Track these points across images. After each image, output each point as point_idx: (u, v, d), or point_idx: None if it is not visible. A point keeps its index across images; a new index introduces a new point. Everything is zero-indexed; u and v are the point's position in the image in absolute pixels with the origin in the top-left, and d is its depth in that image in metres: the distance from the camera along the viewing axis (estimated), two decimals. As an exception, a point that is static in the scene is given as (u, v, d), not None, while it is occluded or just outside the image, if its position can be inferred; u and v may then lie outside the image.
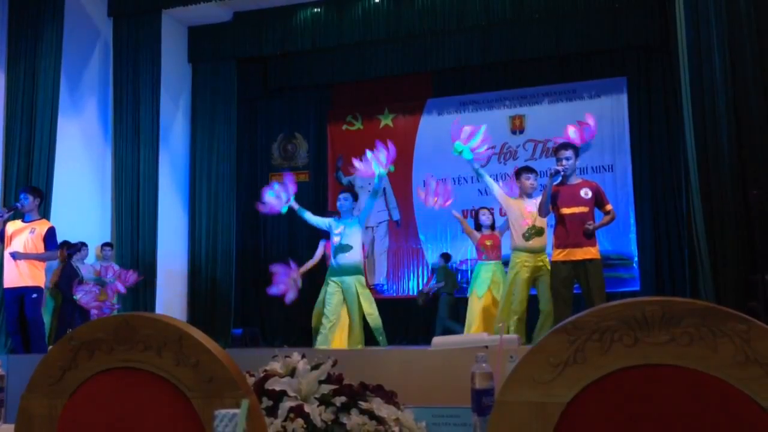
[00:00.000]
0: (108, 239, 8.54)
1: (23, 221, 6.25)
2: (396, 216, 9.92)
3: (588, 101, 9.41)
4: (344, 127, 10.55)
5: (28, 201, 6.18)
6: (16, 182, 7.36)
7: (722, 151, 6.56)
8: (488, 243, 6.42)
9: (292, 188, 6.34)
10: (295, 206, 6.31)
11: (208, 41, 9.84)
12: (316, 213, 6.60)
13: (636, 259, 9.05)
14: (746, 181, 6.39)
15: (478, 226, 6.58)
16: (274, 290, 6.85)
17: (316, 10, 9.27)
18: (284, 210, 6.42)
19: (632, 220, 9.09)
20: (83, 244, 7.93)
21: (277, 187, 6.37)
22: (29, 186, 6.73)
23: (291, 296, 6.81)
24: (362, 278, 6.27)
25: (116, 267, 8.11)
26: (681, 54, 7.00)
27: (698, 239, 6.73)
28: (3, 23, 7.63)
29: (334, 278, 6.25)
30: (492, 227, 6.53)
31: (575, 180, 5.22)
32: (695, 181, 6.77)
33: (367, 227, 10.25)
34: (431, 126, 10.09)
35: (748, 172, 6.44)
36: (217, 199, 9.76)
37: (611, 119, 9.30)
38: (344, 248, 6.17)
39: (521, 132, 9.71)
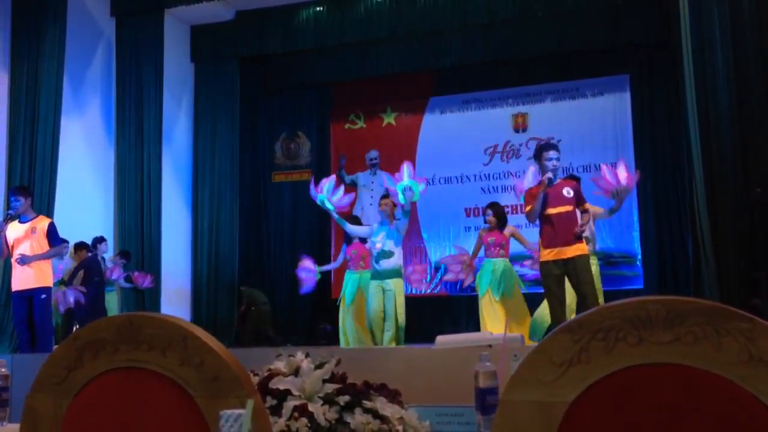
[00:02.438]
0: (111, 238, 8.55)
1: (20, 222, 6.12)
2: (399, 214, 9.92)
3: (591, 99, 9.40)
4: (347, 125, 10.55)
5: (21, 203, 6.05)
6: (20, 181, 7.37)
7: (726, 149, 6.55)
8: (490, 240, 6.53)
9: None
10: (335, 216, 6.76)
11: (211, 40, 9.85)
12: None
13: (639, 257, 9.03)
14: (750, 179, 6.38)
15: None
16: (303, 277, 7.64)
17: (318, 8, 9.28)
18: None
19: (635, 218, 9.08)
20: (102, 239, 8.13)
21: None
22: (16, 187, 6.55)
23: (307, 288, 7.64)
24: (401, 281, 6.64)
25: (121, 269, 8.15)
26: (684, 51, 6.98)
27: (702, 237, 6.72)
28: (6, 23, 7.64)
29: (375, 281, 6.60)
30: (499, 226, 6.55)
31: (556, 179, 5.21)
32: (699, 178, 6.75)
33: (369, 226, 10.25)
34: (434, 124, 10.08)
35: (751, 170, 6.43)
36: (219, 197, 9.77)
37: (614, 117, 9.29)
38: (385, 254, 6.49)
39: (524, 130, 9.70)
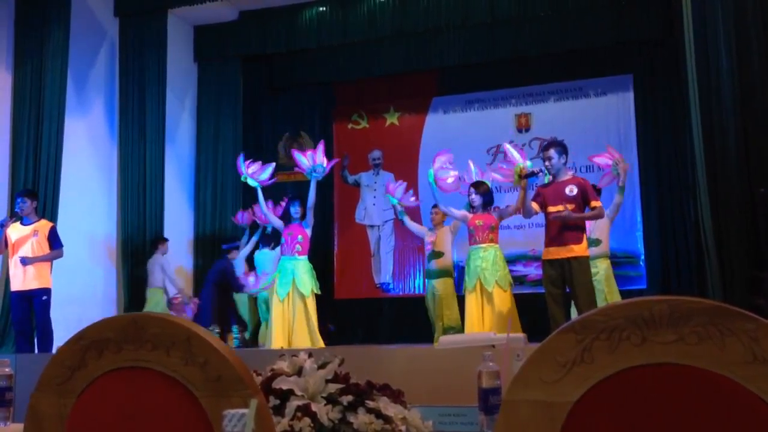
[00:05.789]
0: (114, 236, 8.55)
1: (22, 224, 6.32)
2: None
3: (594, 99, 9.38)
4: (350, 125, 10.55)
5: (27, 204, 6.32)
6: (24, 182, 7.38)
7: (729, 148, 6.54)
8: (478, 223, 5.93)
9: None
10: (399, 208, 7.38)
11: (214, 40, 9.85)
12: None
13: (643, 257, 9.01)
14: (753, 178, 6.37)
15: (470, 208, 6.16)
16: None
17: (321, 8, 9.29)
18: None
19: (639, 218, 9.06)
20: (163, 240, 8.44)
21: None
22: (24, 189, 6.83)
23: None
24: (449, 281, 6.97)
25: None
26: (687, 50, 6.97)
27: (705, 237, 6.71)
28: (9, 24, 7.65)
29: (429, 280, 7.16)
30: (486, 206, 6.04)
31: (565, 176, 5.18)
32: (702, 178, 6.74)
33: (372, 226, 10.25)
34: (437, 124, 10.07)
35: (755, 169, 6.42)
36: (223, 197, 9.78)
37: (617, 117, 9.27)
38: (436, 255, 6.99)
39: (527, 130, 9.69)
